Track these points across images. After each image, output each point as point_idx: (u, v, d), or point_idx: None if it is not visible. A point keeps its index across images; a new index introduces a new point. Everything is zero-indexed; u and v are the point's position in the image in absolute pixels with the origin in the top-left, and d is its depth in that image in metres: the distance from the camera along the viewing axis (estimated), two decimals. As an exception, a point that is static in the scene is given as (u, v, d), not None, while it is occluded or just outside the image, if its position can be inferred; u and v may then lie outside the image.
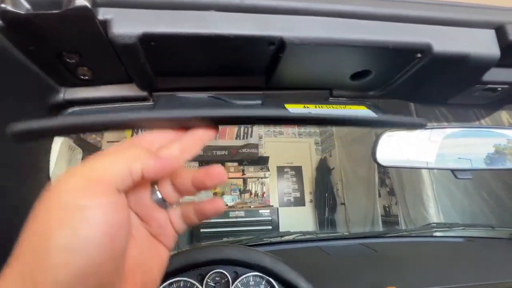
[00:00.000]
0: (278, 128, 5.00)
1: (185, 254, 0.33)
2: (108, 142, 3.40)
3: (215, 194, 3.94)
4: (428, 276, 0.58)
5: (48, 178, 0.43)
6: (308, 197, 4.77)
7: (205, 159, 4.15)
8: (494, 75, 0.33)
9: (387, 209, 3.52)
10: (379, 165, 0.39)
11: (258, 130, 4.44)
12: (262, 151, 4.50)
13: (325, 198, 4.39)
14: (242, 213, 3.59)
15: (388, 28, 0.27)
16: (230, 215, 3.51)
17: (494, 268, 0.67)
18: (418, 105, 0.44)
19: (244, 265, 0.33)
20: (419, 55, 0.29)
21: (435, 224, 0.88)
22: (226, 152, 4.21)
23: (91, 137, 3.02)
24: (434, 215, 2.39)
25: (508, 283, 0.59)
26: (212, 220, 3.39)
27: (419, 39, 0.28)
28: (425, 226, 0.90)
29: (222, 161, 4.19)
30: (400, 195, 2.87)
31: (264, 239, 0.93)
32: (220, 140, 4.22)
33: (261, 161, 4.28)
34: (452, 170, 0.40)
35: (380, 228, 3.28)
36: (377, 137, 0.40)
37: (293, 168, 4.93)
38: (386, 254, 0.72)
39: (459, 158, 0.40)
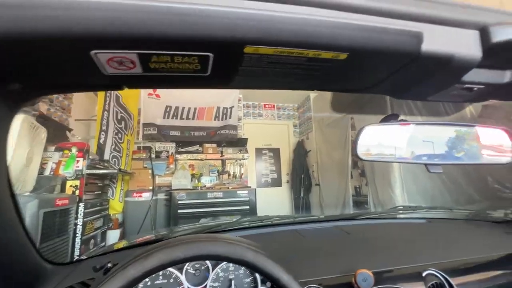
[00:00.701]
0: (257, 110, 4.98)
1: (163, 252, 0.32)
2: (76, 120, 3.17)
3: (193, 176, 3.91)
4: (395, 256, 0.64)
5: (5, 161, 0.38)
6: (285, 178, 4.92)
7: (182, 139, 4.06)
8: (472, 75, 0.34)
9: (358, 189, 3.74)
10: (360, 159, 0.40)
11: (238, 112, 4.38)
12: (241, 133, 4.48)
13: (301, 179, 4.55)
14: (220, 194, 3.62)
15: (379, 26, 0.27)
16: (208, 196, 3.52)
17: (451, 246, 0.75)
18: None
19: (227, 260, 0.34)
20: (408, 54, 0.28)
21: (401, 207, 0.95)
22: (205, 133, 4.13)
23: (56, 115, 2.79)
24: (399, 195, 2.58)
25: (464, 260, 0.66)
26: (190, 201, 3.39)
27: (409, 36, 0.27)
28: (393, 209, 0.98)
29: (200, 142, 4.13)
30: (370, 177, 3.05)
31: (244, 223, 0.94)
32: (198, 121, 4.12)
33: (240, 143, 4.28)
34: (425, 164, 0.42)
35: (351, 207, 3.50)
36: (358, 131, 0.40)
37: (271, 150, 5.01)
38: (358, 237, 0.77)
39: (432, 153, 0.42)
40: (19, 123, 1.65)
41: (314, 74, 0.30)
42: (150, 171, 3.64)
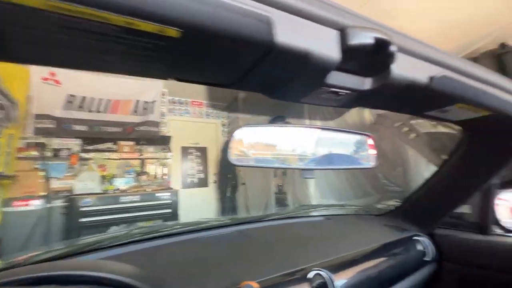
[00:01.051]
0: (184, 107, 4.71)
1: None
2: None
3: (103, 177, 3.40)
4: (288, 260, 0.63)
5: None
6: (212, 178, 4.81)
7: (91, 136, 3.47)
8: (336, 78, 0.33)
9: (280, 187, 3.96)
10: (233, 164, 0.35)
11: (161, 107, 4.04)
12: (165, 130, 4.15)
13: (227, 178, 4.53)
14: (137, 198, 3.25)
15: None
16: (122, 200, 3.12)
17: (341, 242, 0.81)
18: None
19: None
20: (260, 43, 0.24)
21: (304, 206, 0.99)
22: (120, 129, 3.65)
23: None
24: (313, 192, 2.83)
25: (348, 255, 0.71)
26: (98, 208, 2.92)
27: (257, 20, 0.23)
28: (297, 208, 1.02)
29: (114, 139, 3.62)
30: (289, 175, 3.26)
31: (136, 235, 0.81)
32: (112, 115, 3.60)
33: (163, 141, 3.95)
34: (301, 170, 0.40)
35: (273, 203, 3.67)
36: (232, 132, 0.35)
37: (199, 149, 4.82)
38: (257, 241, 0.76)
39: (308, 157, 0.41)
40: None
41: (144, 55, 0.23)
42: (42, 174, 2.98)
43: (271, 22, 0.24)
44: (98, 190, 3.18)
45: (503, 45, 2.93)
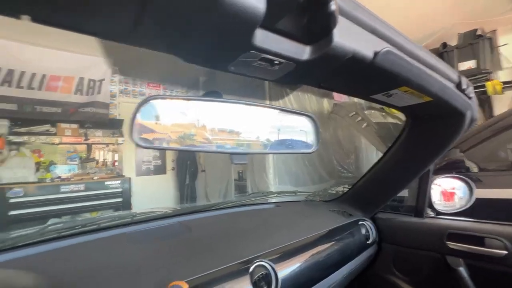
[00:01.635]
0: (139, 88, 4.33)
1: None
2: None
3: (39, 164, 2.98)
4: (228, 252, 0.58)
5: None
6: (170, 165, 4.58)
7: (20, 116, 2.98)
8: (266, 40, 0.27)
9: (241, 174, 3.93)
10: (139, 146, 0.27)
11: (111, 87, 3.63)
12: (116, 113, 3.77)
13: (187, 165, 4.36)
14: (81, 186, 2.94)
15: None
16: (62, 190, 2.79)
17: (287, 230, 0.79)
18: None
19: None
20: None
21: (254, 193, 0.95)
22: (59, 110, 3.20)
23: None
24: (272, 179, 2.84)
25: (291, 244, 0.69)
26: (31, 198, 2.57)
27: None
28: (247, 196, 0.98)
29: (52, 121, 3.17)
30: (249, 162, 3.23)
31: (62, 230, 0.68)
32: (50, 93, 3.13)
33: (113, 124, 3.60)
34: (230, 154, 0.34)
35: (233, 191, 3.63)
36: (138, 104, 0.27)
37: (155, 134, 4.51)
38: (199, 233, 0.69)
39: (240, 140, 0.35)
40: None
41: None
42: (-44, 159, 2.50)
43: None
44: (32, 178, 2.79)
45: (444, 44, 3.23)
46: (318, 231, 0.77)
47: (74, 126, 3.31)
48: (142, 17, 0.20)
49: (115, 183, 3.11)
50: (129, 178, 3.21)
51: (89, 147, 3.46)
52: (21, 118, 3.01)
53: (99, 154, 3.53)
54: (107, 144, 3.59)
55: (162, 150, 4.22)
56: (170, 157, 4.60)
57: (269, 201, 0.98)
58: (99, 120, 3.44)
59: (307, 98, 3.15)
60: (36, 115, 3.07)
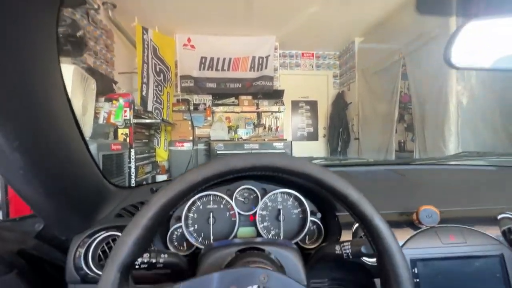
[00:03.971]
0: (294, 60, 4.66)
1: (221, 162, 0.31)
2: (119, 73, 3.31)
3: (230, 128, 3.99)
4: (462, 198, 0.57)
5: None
6: (322, 132, 4.78)
7: (218, 92, 4.05)
8: None
9: (402, 144, 3.49)
10: (451, 66, 0.31)
11: (274, 62, 4.15)
12: (277, 84, 4.31)
13: (339, 133, 4.38)
14: (256, 146, 3.68)
15: None
16: (245, 147, 3.61)
17: None
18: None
19: (288, 173, 0.31)
20: None
21: (466, 153, 0.83)
22: (240, 85, 4.06)
23: (102, 68, 2.92)
24: (452, 150, 2.34)
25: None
26: (228, 152, 3.52)
27: None
28: (455, 155, 0.86)
29: (236, 94, 4.09)
30: (419, 129, 2.79)
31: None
32: (234, 72, 4.03)
33: (276, 95, 4.14)
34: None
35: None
36: (456, 30, 0.31)
37: (308, 102, 4.79)
38: (415, 180, 0.71)
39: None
40: (71, 74, 1.75)
41: None
42: (189, 123, 3.79)
43: None
44: (226, 138, 3.79)
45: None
46: None
47: (249, 97, 4.11)
48: None
49: (280, 145, 3.65)
50: (291, 142, 3.66)
51: (259, 115, 4.21)
52: (217, 94, 4.10)
53: (266, 121, 4.23)
54: (272, 112, 4.21)
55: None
56: (322, 124, 4.78)
57: (485, 164, 0.83)
58: (266, 91, 4.08)
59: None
60: (226, 90, 4.07)
